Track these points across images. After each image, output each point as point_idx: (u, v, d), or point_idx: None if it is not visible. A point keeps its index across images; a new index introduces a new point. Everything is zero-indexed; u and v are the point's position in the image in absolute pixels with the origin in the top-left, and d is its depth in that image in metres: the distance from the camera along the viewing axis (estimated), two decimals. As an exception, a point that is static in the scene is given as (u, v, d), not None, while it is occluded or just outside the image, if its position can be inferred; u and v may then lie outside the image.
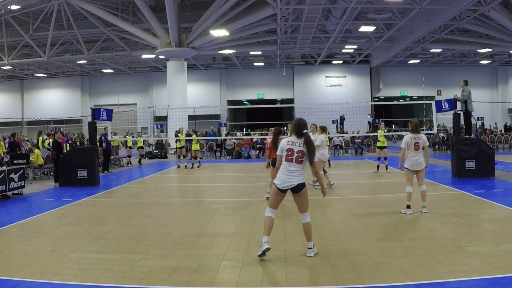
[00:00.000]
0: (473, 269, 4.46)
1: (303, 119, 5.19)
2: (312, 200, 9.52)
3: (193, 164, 18.32)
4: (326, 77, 40.39)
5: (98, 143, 17.58)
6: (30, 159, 14.30)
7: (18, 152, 15.24)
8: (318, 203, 8.92)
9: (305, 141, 5.05)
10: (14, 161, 13.41)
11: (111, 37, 29.14)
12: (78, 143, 16.59)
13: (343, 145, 23.68)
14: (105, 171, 16.70)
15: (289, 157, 5.08)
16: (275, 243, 5.73)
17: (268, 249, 5.00)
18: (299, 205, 5.18)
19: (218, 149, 24.24)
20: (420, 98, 38.75)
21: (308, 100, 37.22)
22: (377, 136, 15.31)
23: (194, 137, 18.83)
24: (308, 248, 5.16)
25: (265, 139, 20.76)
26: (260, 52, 33.65)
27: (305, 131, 5.10)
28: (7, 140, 17.94)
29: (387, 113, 42.29)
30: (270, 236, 5.14)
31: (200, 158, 23.34)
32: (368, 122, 32.04)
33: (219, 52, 30.84)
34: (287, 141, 5.14)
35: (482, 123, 28.37)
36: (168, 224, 7.21)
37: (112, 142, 19.19)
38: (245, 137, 25.72)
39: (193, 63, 36.20)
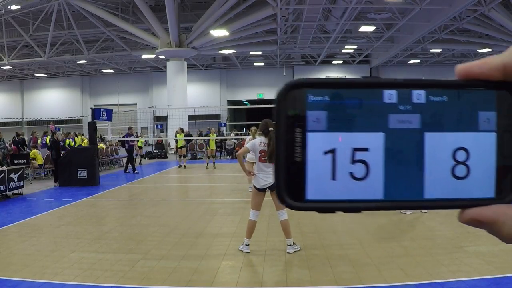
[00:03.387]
0: (473, 269, 4.46)
1: (270, 120, 5.44)
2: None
3: (208, 164, 18.25)
4: (326, 77, 40.04)
5: (122, 145, 17.60)
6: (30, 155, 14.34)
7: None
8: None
9: (268, 139, 5.29)
10: (14, 161, 13.42)
11: (111, 37, 29.14)
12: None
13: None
14: (127, 171, 16.70)
15: (263, 158, 5.30)
16: (275, 243, 5.74)
17: (248, 252, 5.33)
18: (276, 203, 5.30)
19: (218, 149, 24.23)
20: (420, 98, 38.70)
21: (308, 100, 37.15)
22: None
23: (212, 136, 18.85)
24: (288, 245, 5.33)
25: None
26: (260, 52, 33.65)
27: (270, 129, 5.33)
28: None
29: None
30: (271, 236, 5.19)
31: (200, 158, 23.37)
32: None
33: (219, 52, 30.83)
34: (259, 143, 5.36)
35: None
36: (168, 224, 7.21)
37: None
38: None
39: (193, 63, 36.19)
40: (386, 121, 0.40)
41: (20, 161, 13.54)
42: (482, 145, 0.40)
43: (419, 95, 0.40)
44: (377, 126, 0.40)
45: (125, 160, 20.45)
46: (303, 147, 0.39)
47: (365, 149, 0.40)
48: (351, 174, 0.39)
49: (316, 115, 0.40)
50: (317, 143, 0.39)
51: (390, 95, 0.40)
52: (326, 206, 0.40)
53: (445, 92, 0.40)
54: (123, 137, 17.62)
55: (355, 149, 0.39)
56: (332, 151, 0.39)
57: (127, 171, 16.84)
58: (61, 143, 16.74)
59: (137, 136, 23.72)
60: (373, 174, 0.40)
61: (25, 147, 16.68)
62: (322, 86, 0.40)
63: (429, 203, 0.40)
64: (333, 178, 0.39)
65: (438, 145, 0.40)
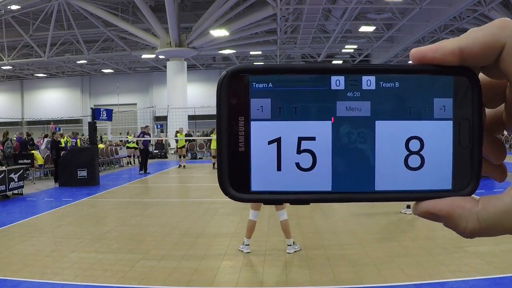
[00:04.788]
0: (473, 269, 4.46)
1: None
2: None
3: (214, 164, 18.11)
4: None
5: (136, 144, 17.42)
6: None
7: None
8: (318, 203, 8.92)
9: None
10: (19, 161, 13.46)
11: (111, 37, 29.15)
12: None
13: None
14: (141, 171, 16.40)
15: None
16: (275, 243, 5.74)
17: (248, 252, 5.36)
18: None
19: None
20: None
21: (308, 100, 37.19)
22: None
23: (213, 136, 18.85)
24: (288, 245, 5.34)
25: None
26: (260, 52, 33.66)
27: None
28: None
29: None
30: (271, 236, 5.20)
31: (200, 158, 23.39)
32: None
33: (219, 52, 30.85)
34: None
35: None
36: (168, 224, 7.22)
37: (131, 143, 19.12)
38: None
39: (193, 63, 36.21)
40: (334, 109, 0.38)
41: (26, 160, 13.61)
42: (437, 134, 0.38)
43: (369, 81, 0.38)
44: (324, 114, 0.38)
45: (125, 160, 20.51)
46: (246, 137, 0.38)
47: (312, 138, 0.38)
48: (297, 165, 0.38)
49: (260, 103, 0.38)
50: (261, 133, 0.38)
51: (337, 81, 0.38)
52: (272, 198, 0.38)
53: (397, 78, 0.38)
54: (138, 136, 17.51)
55: (301, 138, 0.38)
56: (277, 141, 0.38)
57: (147, 171, 16.41)
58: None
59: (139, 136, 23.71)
60: (320, 164, 0.38)
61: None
62: (266, 72, 0.38)
63: (381, 195, 0.38)
64: (279, 168, 0.38)
65: (390, 134, 0.38)
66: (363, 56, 35.92)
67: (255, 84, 0.38)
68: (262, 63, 0.40)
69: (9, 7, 24.03)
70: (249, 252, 5.30)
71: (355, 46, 31.84)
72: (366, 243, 5.68)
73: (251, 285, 4.31)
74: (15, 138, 17.02)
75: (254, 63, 0.39)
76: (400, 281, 4.21)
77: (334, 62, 38.92)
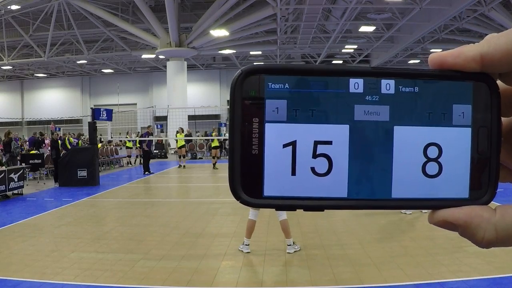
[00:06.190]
0: (473, 269, 4.46)
1: None
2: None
3: (214, 164, 18.07)
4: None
5: (139, 144, 17.39)
6: None
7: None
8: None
9: None
10: (30, 161, 13.50)
11: (111, 37, 29.15)
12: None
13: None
14: (147, 172, 16.22)
15: None
16: (275, 243, 5.74)
17: (247, 252, 5.36)
18: None
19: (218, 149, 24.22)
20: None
21: (308, 100, 37.19)
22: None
23: (214, 135, 18.80)
24: (288, 245, 5.34)
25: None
26: (260, 52, 33.67)
27: None
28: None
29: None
30: (271, 236, 5.20)
31: (200, 158, 23.39)
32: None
33: (219, 52, 30.85)
34: None
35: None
36: (168, 224, 7.22)
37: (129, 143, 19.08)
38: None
39: (193, 63, 36.21)
40: (352, 113, 0.37)
41: (36, 161, 13.66)
42: (456, 141, 0.37)
43: (388, 85, 0.37)
44: (341, 118, 0.37)
45: (125, 160, 20.51)
46: (260, 139, 0.37)
47: (328, 143, 0.37)
48: (313, 169, 0.37)
49: (276, 105, 0.37)
50: (276, 135, 0.37)
51: (356, 84, 0.37)
52: (285, 204, 0.37)
53: (416, 83, 0.37)
54: (141, 136, 17.49)
55: (317, 142, 0.37)
56: (292, 144, 0.37)
57: (146, 171, 16.23)
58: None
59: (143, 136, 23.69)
60: (336, 169, 0.37)
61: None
62: (283, 72, 0.37)
63: (397, 203, 0.38)
64: (293, 173, 0.37)
65: (408, 140, 0.37)
66: (363, 56, 35.92)
67: (271, 85, 0.37)
68: (279, 63, 0.39)
69: (9, 7, 24.03)
70: (249, 252, 5.31)
71: (355, 46, 31.84)
72: (366, 243, 5.68)
73: (251, 285, 4.31)
74: (25, 138, 17.14)
75: (271, 63, 0.37)
76: (400, 281, 4.22)
77: (334, 62, 38.94)
